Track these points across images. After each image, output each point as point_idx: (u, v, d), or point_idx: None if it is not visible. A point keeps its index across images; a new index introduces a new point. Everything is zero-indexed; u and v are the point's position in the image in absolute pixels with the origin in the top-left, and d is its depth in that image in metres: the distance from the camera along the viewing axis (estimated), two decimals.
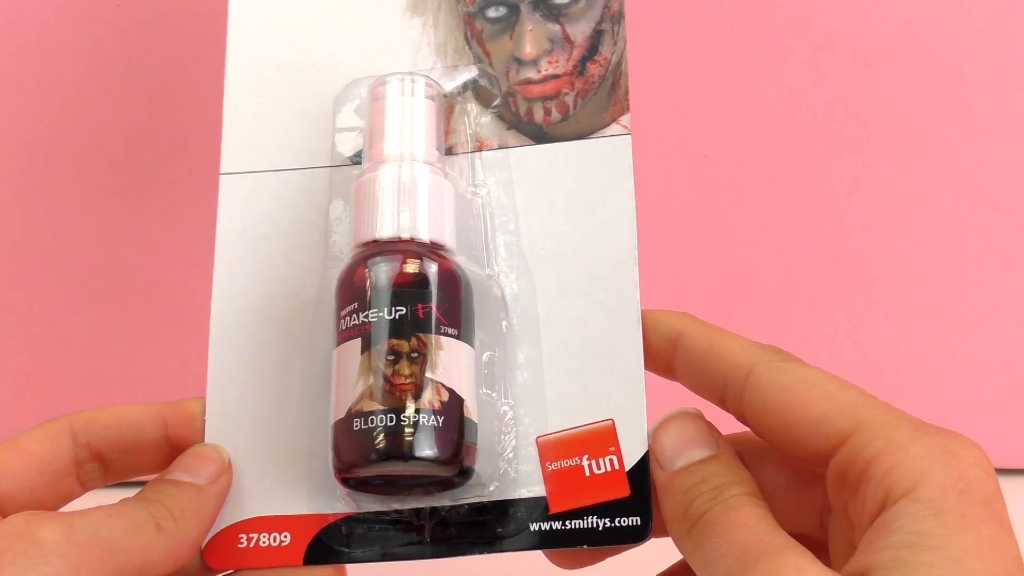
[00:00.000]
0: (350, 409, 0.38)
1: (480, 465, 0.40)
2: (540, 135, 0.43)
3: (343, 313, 0.40)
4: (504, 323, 0.42)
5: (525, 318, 0.42)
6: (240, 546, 0.41)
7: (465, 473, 0.39)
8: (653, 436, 0.39)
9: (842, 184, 0.59)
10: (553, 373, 0.41)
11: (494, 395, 0.41)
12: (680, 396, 0.40)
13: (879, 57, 0.57)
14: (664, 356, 0.40)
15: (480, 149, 0.44)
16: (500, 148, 0.44)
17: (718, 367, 0.39)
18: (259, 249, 0.43)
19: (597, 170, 0.43)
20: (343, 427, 0.38)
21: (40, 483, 0.39)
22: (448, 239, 0.41)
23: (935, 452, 0.33)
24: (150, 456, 0.41)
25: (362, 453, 0.38)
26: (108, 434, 0.41)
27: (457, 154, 0.44)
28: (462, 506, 0.40)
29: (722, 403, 0.39)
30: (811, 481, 0.38)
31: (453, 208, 0.41)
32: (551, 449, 0.40)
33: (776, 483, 0.39)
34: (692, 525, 0.36)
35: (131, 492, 0.39)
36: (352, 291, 0.40)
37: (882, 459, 0.34)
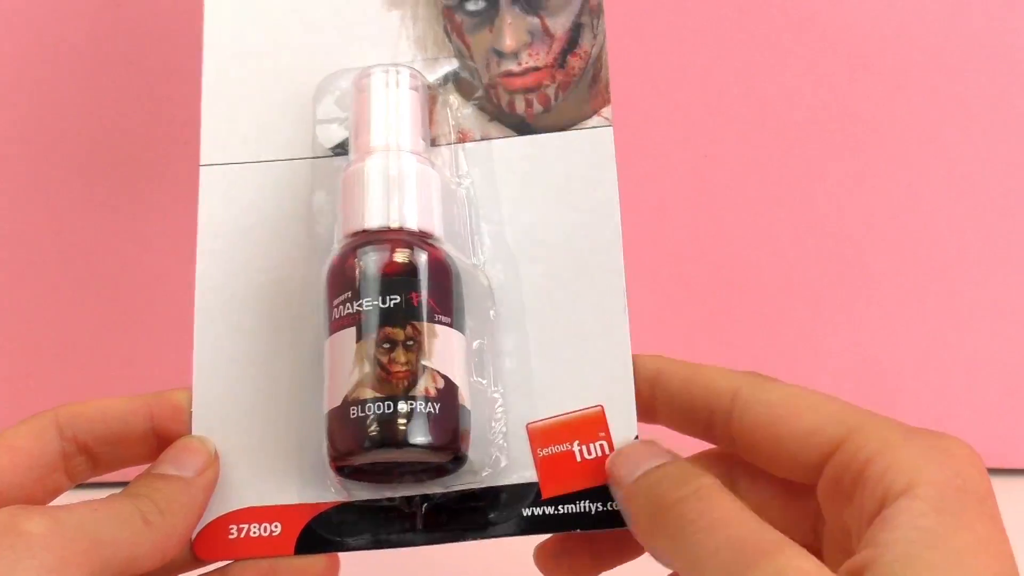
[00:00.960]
0: (346, 397, 0.38)
1: (472, 452, 0.40)
2: (522, 127, 0.44)
3: (335, 302, 0.40)
4: (491, 311, 0.42)
5: (511, 307, 0.42)
6: (230, 537, 0.40)
7: (459, 460, 0.39)
8: (609, 465, 0.39)
9: (842, 184, 0.59)
10: (542, 360, 0.42)
11: (484, 382, 0.41)
12: None
13: (879, 57, 0.58)
14: (645, 397, 0.41)
15: (463, 140, 0.44)
16: (483, 140, 0.44)
17: (701, 396, 0.40)
18: (241, 241, 0.43)
19: (580, 161, 0.43)
20: (338, 415, 0.38)
21: (27, 478, 0.39)
22: (437, 228, 0.41)
23: (930, 451, 0.34)
24: (137, 448, 0.41)
25: (358, 441, 0.38)
26: (94, 427, 0.40)
27: (440, 145, 0.44)
28: (453, 493, 0.40)
29: (707, 432, 0.40)
30: (799, 496, 0.39)
31: (440, 197, 0.42)
32: (541, 435, 0.41)
33: (762, 498, 0.39)
34: (666, 511, 0.35)
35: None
36: (344, 280, 0.40)
37: (878, 460, 0.34)
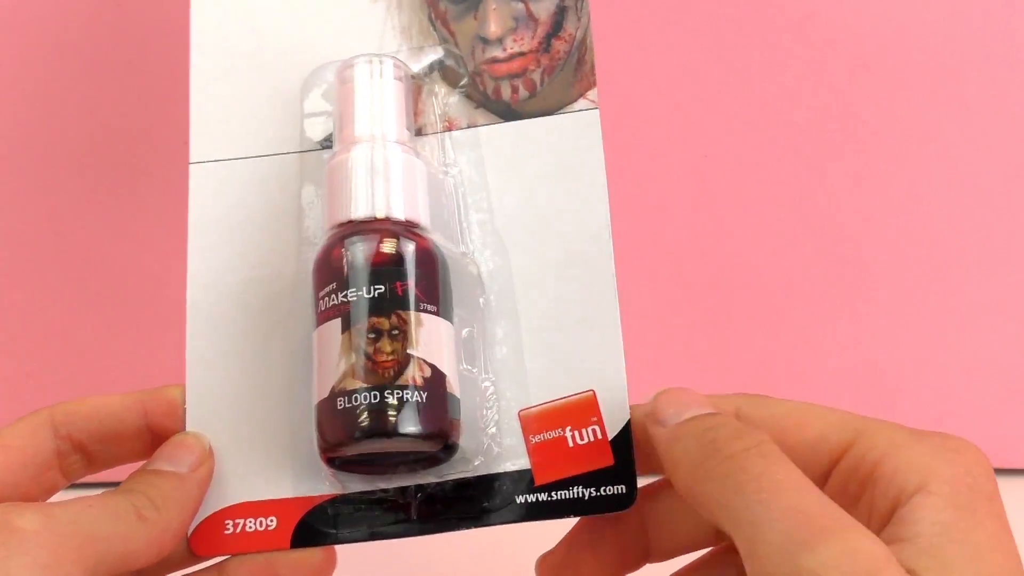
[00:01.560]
0: (333, 388, 0.38)
1: (464, 440, 0.40)
2: (508, 113, 0.44)
3: (321, 294, 0.40)
4: (481, 300, 0.42)
5: (502, 294, 0.42)
6: (226, 532, 0.41)
7: (450, 448, 0.39)
8: (653, 402, 0.38)
9: (842, 184, 0.59)
10: (532, 347, 0.41)
11: (475, 371, 0.41)
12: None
13: (879, 57, 0.57)
14: (643, 443, 0.39)
15: (449, 129, 0.44)
16: (469, 127, 0.44)
17: None
18: (232, 237, 0.43)
19: (567, 145, 0.43)
20: (327, 407, 0.38)
21: (23, 477, 0.39)
22: (423, 217, 0.41)
23: (939, 450, 0.34)
24: (131, 445, 0.41)
25: (347, 431, 0.38)
26: (89, 425, 0.40)
27: (427, 134, 0.44)
28: (447, 482, 0.40)
29: None
30: None
31: (426, 186, 0.42)
32: (534, 422, 0.41)
33: None
34: (723, 460, 0.34)
35: None
36: (330, 272, 0.40)
37: (887, 461, 0.34)
